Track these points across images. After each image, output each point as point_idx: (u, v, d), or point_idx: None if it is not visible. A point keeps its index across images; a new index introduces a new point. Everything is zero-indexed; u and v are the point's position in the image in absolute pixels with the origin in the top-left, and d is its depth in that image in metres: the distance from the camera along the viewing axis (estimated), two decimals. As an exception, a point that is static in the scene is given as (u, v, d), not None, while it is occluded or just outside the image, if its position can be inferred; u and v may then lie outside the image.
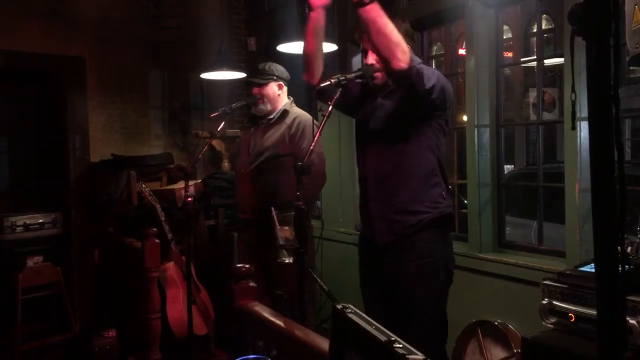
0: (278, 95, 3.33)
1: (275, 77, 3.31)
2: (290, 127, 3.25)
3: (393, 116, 2.32)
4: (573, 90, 1.01)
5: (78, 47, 4.80)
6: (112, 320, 4.25)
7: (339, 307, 1.11)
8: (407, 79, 2.10)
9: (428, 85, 2.12)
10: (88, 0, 4.83)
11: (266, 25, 5.17)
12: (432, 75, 2.15)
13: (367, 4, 1.98)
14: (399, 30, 2.33)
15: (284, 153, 3.22)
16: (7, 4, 4.48)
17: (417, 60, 2.18)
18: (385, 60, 2.08)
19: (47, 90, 4.98)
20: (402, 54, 2.04)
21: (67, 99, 4.82)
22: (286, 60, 3.42)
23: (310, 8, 2.27)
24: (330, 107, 2.11)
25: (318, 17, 2.32)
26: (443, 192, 2.33)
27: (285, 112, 3.32)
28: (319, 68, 2.42)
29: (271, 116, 3.33)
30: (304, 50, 2.41)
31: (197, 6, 5.37)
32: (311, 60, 2.40)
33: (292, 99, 3.40)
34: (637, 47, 1.40)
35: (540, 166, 3.28)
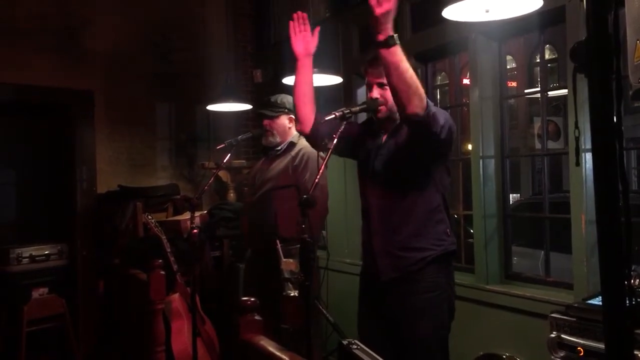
0: (289, 128, 3.35)
1: (286, 110, 3.32)
2: (294, 158, 3.26)
3: (397, 154, 2.31)
4: (576, 126, 1.02)
5: (87, 81, 4.86)
6: (116, 352, 4.22)
7: (344, 342, 1.11)
8: (422, 124, 2.08)
9: (438, 128, 2.10)
10: (97, 34, 4.92)
11: (272, 58, 5.23)
12: (441, 117, 2.13)
13: (391, 46, 1.96)
14: None
15: (286, 184, 3.22)
16: (18, 39, 4.57)
17: (432, 104, 2.15)
18: (401, 105, 2.05)
19: (56, 123, 5.04)
20: (419, 100, 2.01)
21: (75, 131, 4.89)
22: (292, 92, 3.45)
23: (296, 57, 2.33)
24: (335, 141, 2.11)
25: (304, 65, 2.38)
26: (447, 229, 2.32)
27: (292, 144, 3.34)
28: (308, 115, 2.44)
29: (279, 148, 3.35)
30: (294, 99, 2.48)
31: (204, 39, 5.45)
32: (300, 107, 2.46)
33: None
34: (639, 82, 1.41)
35: (547, 197, 3.27)
